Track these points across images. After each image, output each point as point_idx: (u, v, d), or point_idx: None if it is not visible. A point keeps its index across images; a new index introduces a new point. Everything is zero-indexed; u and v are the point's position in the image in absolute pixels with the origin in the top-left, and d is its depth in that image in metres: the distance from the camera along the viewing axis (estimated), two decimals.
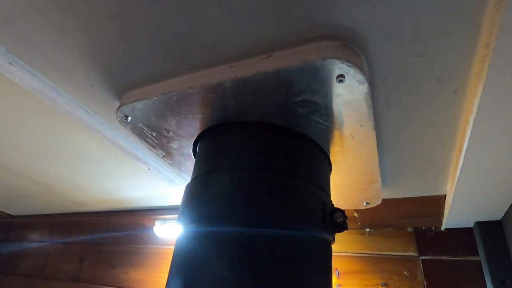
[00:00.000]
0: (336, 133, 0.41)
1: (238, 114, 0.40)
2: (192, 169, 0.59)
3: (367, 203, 0.58)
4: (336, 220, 0.39)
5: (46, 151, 0.74)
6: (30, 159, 0.84)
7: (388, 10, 0.27)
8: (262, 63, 0.33)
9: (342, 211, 0.40)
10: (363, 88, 0.32)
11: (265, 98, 0.36)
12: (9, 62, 0.40)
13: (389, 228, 0.74)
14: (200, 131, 0.45)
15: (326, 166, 0.44)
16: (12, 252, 1.62)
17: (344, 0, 0.27)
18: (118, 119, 0.45)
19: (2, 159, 0.89)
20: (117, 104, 0.45)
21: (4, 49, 0.39)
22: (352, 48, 0.31)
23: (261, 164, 0.38)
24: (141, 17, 0.32)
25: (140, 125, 0.46)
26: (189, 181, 0.64)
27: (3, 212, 1.54)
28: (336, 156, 0.46)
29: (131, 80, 0.41)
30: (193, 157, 0.52)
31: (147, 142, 0.50)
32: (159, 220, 0.99)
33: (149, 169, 0.64)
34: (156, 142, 0.50)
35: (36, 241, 1.57)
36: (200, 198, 0.37)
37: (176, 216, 0.95)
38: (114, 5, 0.31)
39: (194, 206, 0.37)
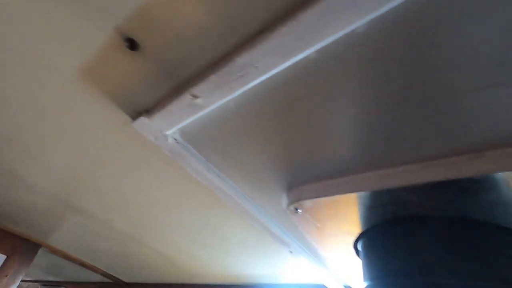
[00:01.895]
0: None
1: (423, 209, 0.39)
2: (339, 252, 0.58)
3: None
4: None
5: (188, 228, 0.81)
6: (166, 235, 0.92)
7: None
8: (473, 163, 0.32)
9: None
10: None
11: (466, 196, 0.35)
12: (206, 169, 0.47)
13: None
14: (375, 224, 0.44)
15: None
16: None
17: None
18: (289, 212, 0.48)
19: (135, 233, 1.00)
20: (285, 197, 0.49)
21: (205, 159, 0.46)
22: None
23: (464, 267, 0.35)
24: (344, 124, 0.36)
25: (308, 216, 0.48)
26: (331, 265, 0.62)
27: (118, 278, 1.69)
28: None
29: (308, 177, 0.45)
30: (349, 245, 0.51)
31: (306, 230, 0.51)
32: None
33: (291, 252, 0.64)
34: (318, 230, 0.51)
35: None
36: None
37: None
38: (323, 122, 0.36)
39: None
